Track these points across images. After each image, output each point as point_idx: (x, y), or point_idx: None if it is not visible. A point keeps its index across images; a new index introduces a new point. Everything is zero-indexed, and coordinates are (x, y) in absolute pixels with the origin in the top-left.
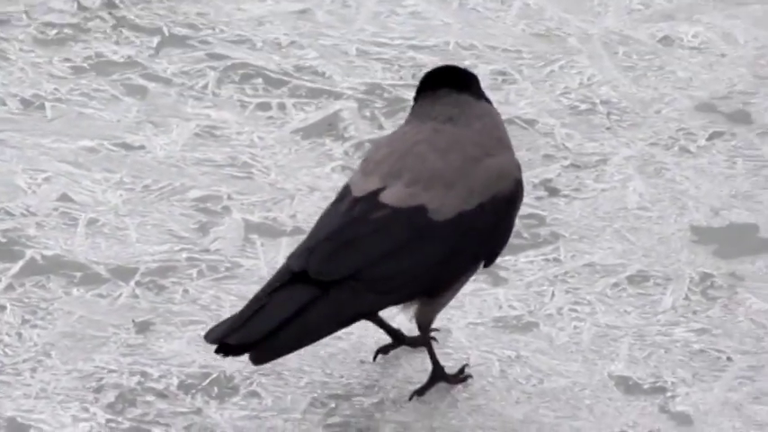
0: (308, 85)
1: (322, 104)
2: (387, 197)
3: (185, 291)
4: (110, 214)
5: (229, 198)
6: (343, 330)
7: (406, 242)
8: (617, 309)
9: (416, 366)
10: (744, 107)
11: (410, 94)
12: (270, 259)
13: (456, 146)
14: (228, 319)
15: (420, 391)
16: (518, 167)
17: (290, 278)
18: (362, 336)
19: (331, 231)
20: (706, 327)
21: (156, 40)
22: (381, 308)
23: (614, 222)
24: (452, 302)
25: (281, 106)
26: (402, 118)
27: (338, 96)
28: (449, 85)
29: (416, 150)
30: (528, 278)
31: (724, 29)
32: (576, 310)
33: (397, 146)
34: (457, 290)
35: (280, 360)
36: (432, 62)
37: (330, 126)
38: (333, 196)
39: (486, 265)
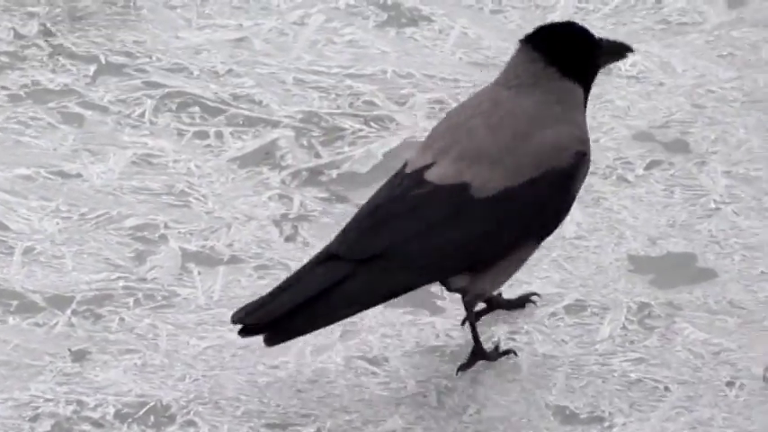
0: (245, 113)
1: (259, 133)
2: (432, 174)
3: (122, 319)
4: (46, 242)
5: (166, 226)
6: (280, 359)
7: (444, 219)
8: (554, 338)
9: (353, 396)
10: (682, 136)
11: (347, 123)
12: (207, 288)
13: (509, 120)
14: (258, 299)
15: (462, 368)
16: (580, 141)
17: (326, 258)
18: (300, 365)
19: (369, 210)
20: (643, 356)
21: (92, 68)
22: (414, 286)
23: (552, 251)
24: (389, 331)
25: (219, 135)
26: (339, 147)
27: (275, 125)
28: (545, 49)
29: (469, 125)
30: None
31: (662, 58)
32: (513, 340)
33: (455, 119)
34: (513, 266)
35: (216, 389)
36: (369, 91)
37: (267, 155)
38: (270, 225)
39: (540, 240)
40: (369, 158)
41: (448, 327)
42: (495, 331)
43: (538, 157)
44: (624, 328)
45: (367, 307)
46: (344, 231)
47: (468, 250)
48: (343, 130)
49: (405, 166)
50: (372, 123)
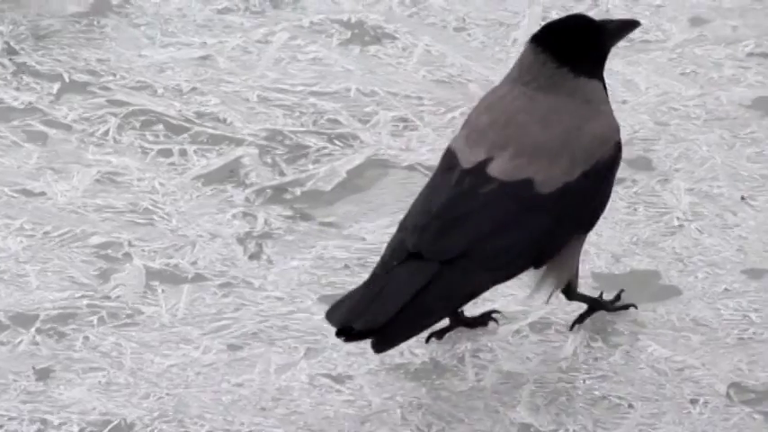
0: (210, 131)
1: (223, 151)
2: (494, 170)
3: (86, 338)
4: (10, 261)
5: (130, 245)
6: (244, 377)
7: (514, 216)
8: (519, 356)
9: (318, 414)
10: (645, 154)
11: (311, 141)
12: (171, 306)
13: (555, 115)
14: (348, 299)
15: (580, 319)
16: (617, 130)
17: (405, 257)
18: (264, 383)
19: (441, 207)
20: (607, 374)
21: (56, 86)
22: (492, 285)
23: None
24: (353, 348)
25: (183, 152)
26: (303, 165)
27: (239, 143)
28: (556, 50)
29: (518, 120)
30: None
31: (625, 76)
32: (477, 357)
33: (498, 114)
34: (573, 258)
35: (180, 407)
36: (333, 108)
37: (231, 172)
38: (234, 243)
39: (586, 231)
40: (333, 176)
41: (412, 344)
42: (458, 348)
43: (589, 150)
44: (588, 345)
45: (454, 309)
46: (420, 227)
47: (536, 246)
48: (306, 147)
49: (453, 156)
50: (336, 141)
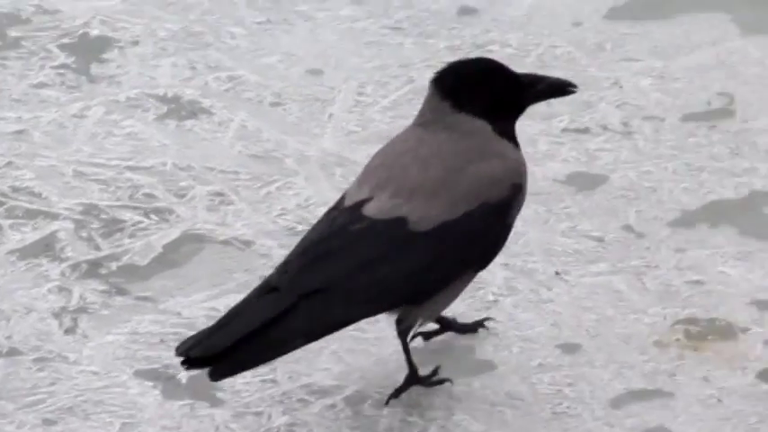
0: (25, 205)
1: (38, 225)
2: (369, 209)
3: None
4: None
5: None
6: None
7: (383, 253)
8: (334, 430)
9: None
10: None
11: (127, 215)
12: None
13: (438, 156)
14: (201, 331)
15: (396, 394)
16: (516, 172)
17: (267, 291)
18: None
19: (309, 244)
20: None
21: None
22: (356, 320)
23: (332, 344)
24: (169, 423)
25: None
26: (119, 239)
27: (55, 217)
28: (439, 85)
29: (402, 162)
30: (245, 399)
31: None
32: (293, 431)
33: (387, 156)
34: (452, 296)
35: None
36: (149, 183)
37: (47, 247)
38: (50, 317)
39: (478, 270)
40: (148, 251)
41: (227, 418)
42: (273, 422)
43: (472, 190)
44: (404, 420)
45: (309, 341)
46: (285, 264)
47: (409, 283)
48: (122, 222)
49: (342, 199)
50: (152, 215)
